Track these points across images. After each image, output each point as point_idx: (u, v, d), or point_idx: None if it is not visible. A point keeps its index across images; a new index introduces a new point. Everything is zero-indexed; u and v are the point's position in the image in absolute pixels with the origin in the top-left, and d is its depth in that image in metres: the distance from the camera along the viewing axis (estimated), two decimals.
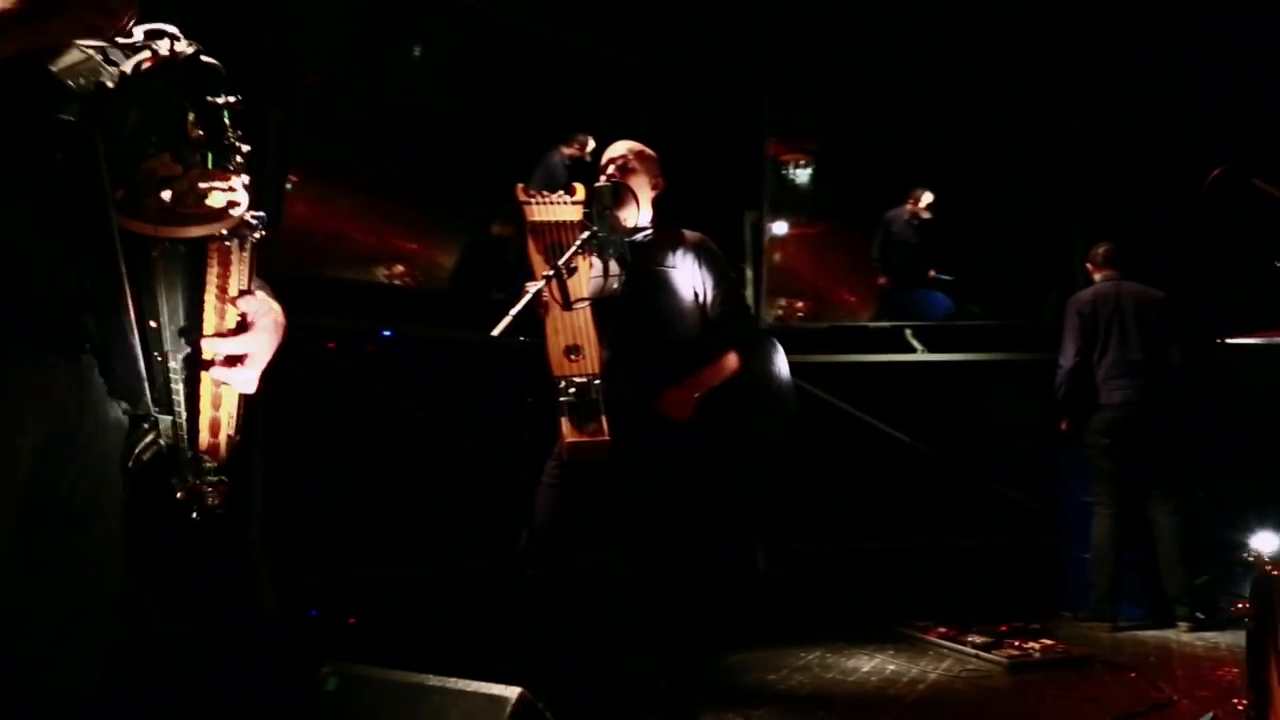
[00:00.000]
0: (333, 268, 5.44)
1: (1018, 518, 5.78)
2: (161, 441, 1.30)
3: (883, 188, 6.43)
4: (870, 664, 3.71)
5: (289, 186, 5.06)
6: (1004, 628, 3.95)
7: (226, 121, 1.27)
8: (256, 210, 1.29)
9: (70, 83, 1.14)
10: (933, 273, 6.48)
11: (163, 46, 1.22)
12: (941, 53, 5.84)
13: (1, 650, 1.27)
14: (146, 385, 1.26)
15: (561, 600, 2.67)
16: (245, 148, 1.31)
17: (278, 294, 1.45)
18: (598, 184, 2.72)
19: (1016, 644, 3.77)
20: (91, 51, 1.19)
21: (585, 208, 2.72)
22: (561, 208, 2.80)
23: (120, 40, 1.22)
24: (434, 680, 1.89)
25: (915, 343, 6.22)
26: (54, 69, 1.14)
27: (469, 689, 1.83)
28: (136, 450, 1.32)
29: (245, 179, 1.29)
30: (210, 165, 1.26)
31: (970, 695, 3.30)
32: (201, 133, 1.25)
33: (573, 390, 2.62)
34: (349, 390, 4.86)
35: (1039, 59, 5.78)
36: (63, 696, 1.33)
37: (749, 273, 6.14)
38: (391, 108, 5.36)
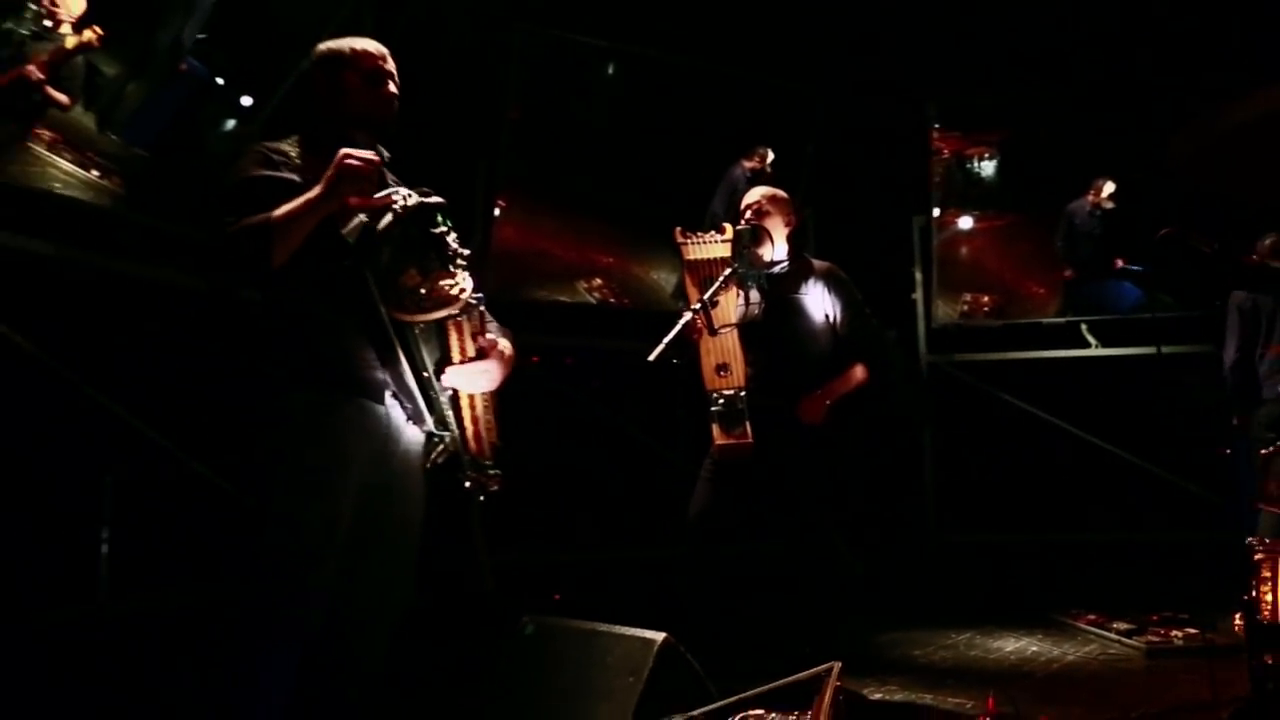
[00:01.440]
0: (539, 284, 6.24)
1: (1200, 512, 5.76)
2: (446, 449, 2.02)
3: (1066, 179, 6.49)
4: (1014, 645, 4.02)
5: (497, 213, 5.90)
6: (1154, 616, 4.12)
7: (449, 240, 1.95)
8: (476, 291, 2.03)
9: (350, 240, 1.83)
10: (1121, 263, 6.47)
11: (400, 199, 1.91)
12: (1121, 41, 5.86)
13: (343, 613, 2.00)
14: (427, 412, 1.97)
15: (716, 577, 3.22)
16: (465, 252, 2.00)
17: (501, 319, 2.21)
18: (739, 227, 3.24)
19: (1161, 631, 3.95)
20: (362, 216, 1.88)
21: (732, 246, 3.26)
22: (712, 245, 3.34)
23: (376, 196, 1.92)
24: (602, 627, 2.49)
25: (1090, 338, 6.29)
26: (342, 231, 1.83)
27: (627, 633, 2.41)
28: (431, 456, 2.07)
29: (467, 274, 1.99)
30: (442, 267, 1.95)
31: (1100, 675, 3.56)
32: (433, 249, 1.94)
33: (722, 401, 3.17)
34: (555, 399, 5.64)
35: (1217, 45, 5.71)
36: (378, 651, 2.07)
37: (918, 275, 6.42)
38: (584, 134, 6.09)
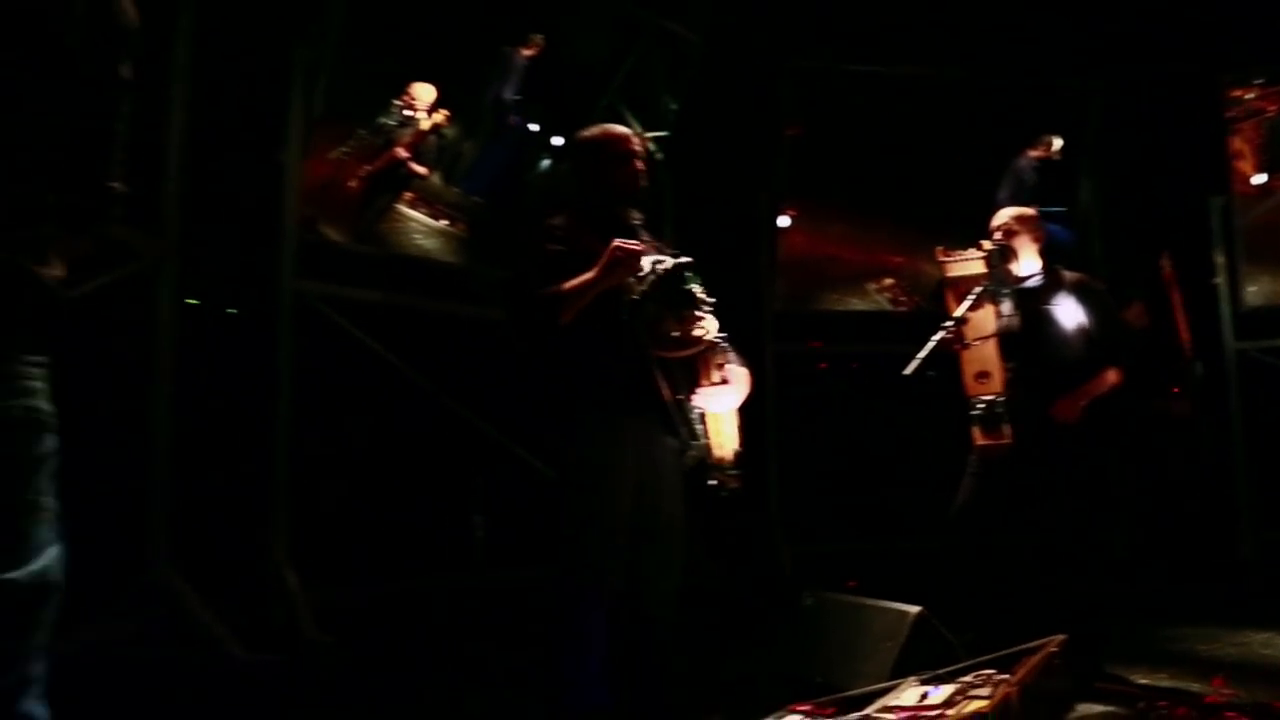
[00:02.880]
0: (830, 289, 6.69)
1: None
2: (697, 455, 2.61)
3: None
4: None
5: (787, 222, 6.43)
6: None
7: (695, 293, 2.53)
8: (720, 332, 2.61)
9: (624, 306, 2.46)
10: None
11: (657, 266, 2.51)
12: None
13: (638, 580, 2.63)
14: (680, 426, 2.56)
15: (981, 564, 3.56)
16: (711, 300, 2.56)
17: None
18: (989, 247, 3.57)
19: None
20: (633, 281, 2.49)
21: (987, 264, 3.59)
22: (971, 263, 3.69)
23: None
24: (867, 601, 2.99)
25: None
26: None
27: (886, 606, 2.89)
28: (686, 459, 2.65)
29: (712, 318, 2.55)
30: (691, 314, 2.53)
31: None
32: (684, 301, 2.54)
33: (981, 406, 3.52)
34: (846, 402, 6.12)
35: None
36: (670, 607, 2.66)
37: (1219, 259, 6.17)
38: (865, 144, 6.45)
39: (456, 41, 5.00)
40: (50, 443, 1.22)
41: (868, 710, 2.25)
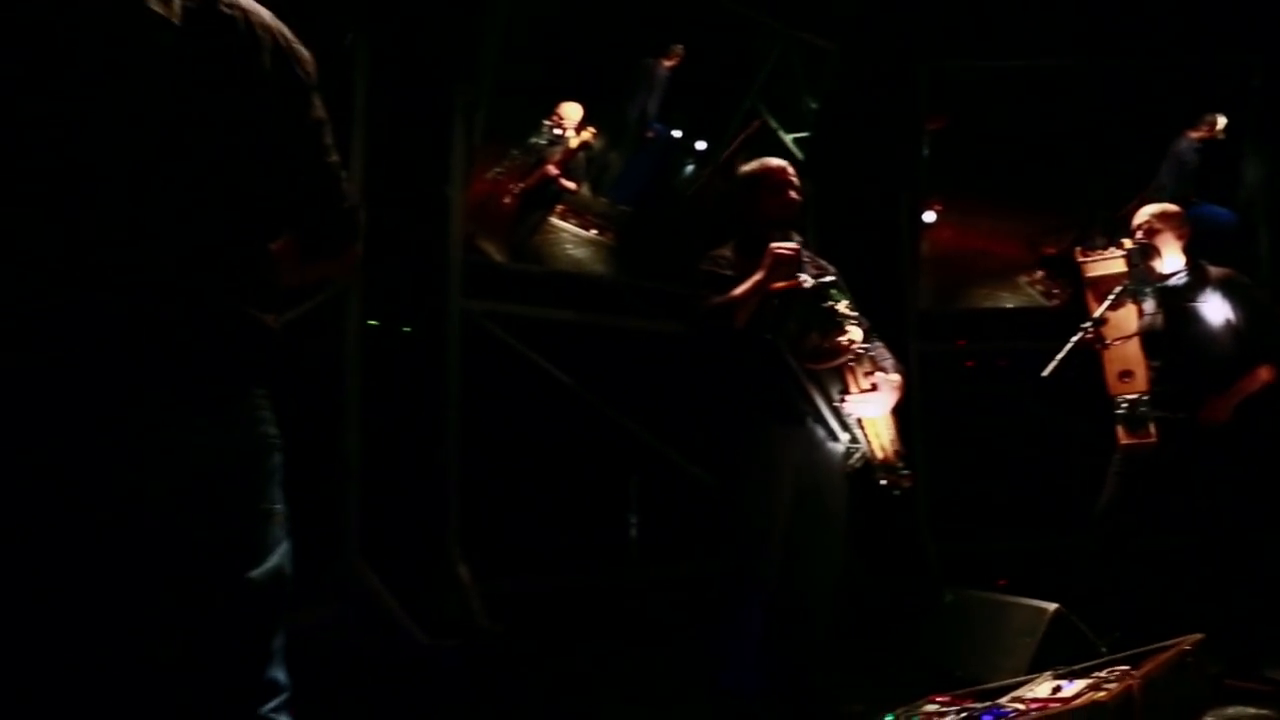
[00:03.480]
0: (979, 284, 6.62)
1: None
2: (861, 457, 2.79)
3: None
4: None
5: (932, 218, 6.40)
6: None
7: (840, 308, 2.70)
8: (866, 341, 2.77)
9: (769, 318, 2.67)
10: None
11: (806, 283, 2.70)
12: None
13: (796, 576, 2.83)
14: (840, 430, 2.75)
15: (1126, 564, 3.56)
16: (854, 314, 2.74)
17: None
18: (1130, 246, 3.57)
19: None
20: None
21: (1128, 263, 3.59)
22: (1111, 262, 3.70)
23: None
24: (1007, 598, 3.08)
25: None
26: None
27: (1025, 603, 2.98)
28: (849, 463, 2.84)
29: (857, 329, 2.72)
30: (836, 328, 2.71)
31: None
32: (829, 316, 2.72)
33: (1125, 405, 3.54)
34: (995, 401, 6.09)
35: None
36: (826, 601, 2.87)
37: None
38: (1010, 135, 6.36)
39: (599, 58, 5.28)
40: (278, 459, 1.49)
41: (1000, 700, 2.37)
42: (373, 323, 4.50)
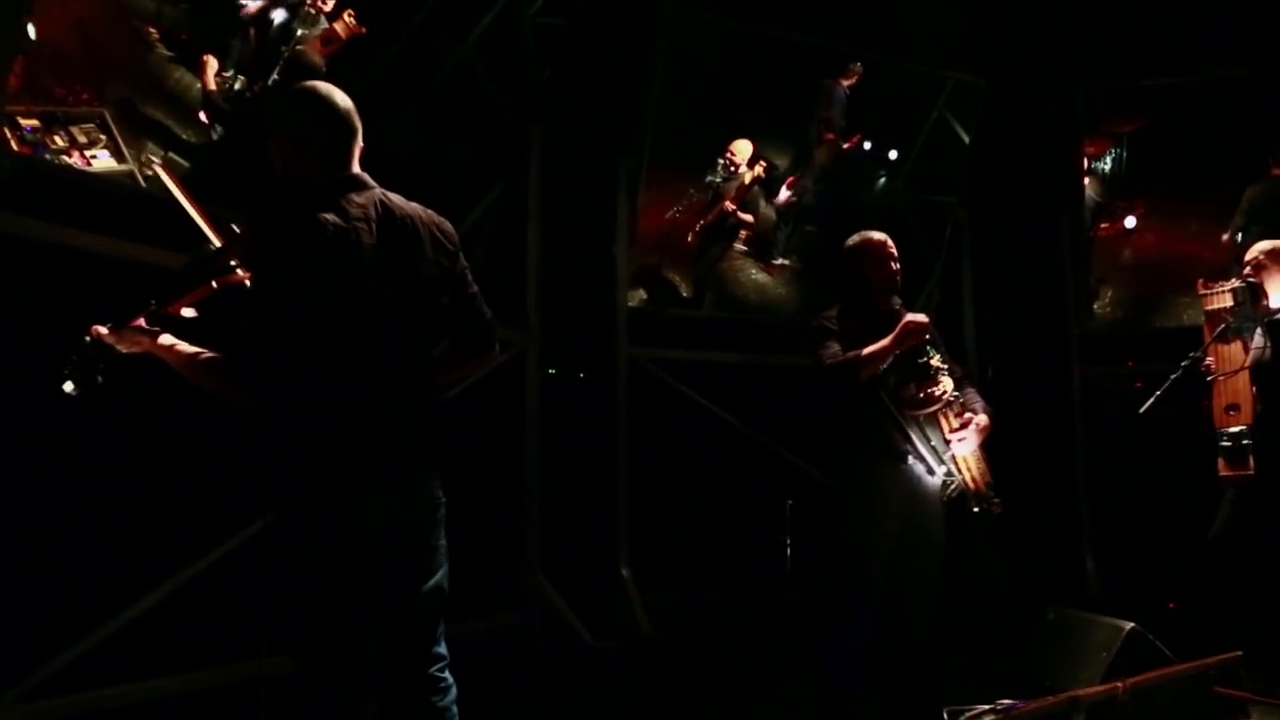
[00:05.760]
0: (1182, 293, 6.40)
1: None
2: (956, 488, 3.19)
3: None
4: None
5: (1132, 223, 6.35)
6: None
7: (932, 362, 3.11)
8: (959, 386, 3.15)
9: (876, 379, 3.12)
10: None
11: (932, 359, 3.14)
12: None
13: (898, 597, 3.25)
14: (935, 464, 3.16)
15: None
16: (945, 365, 3.14)
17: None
18: (1237, 284, 3.74)
19: None
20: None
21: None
22: (1225, 295, 3.88)
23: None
24: (1094, 615, 3.38)
25: None
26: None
27: (1105, 621, 3.28)
28: (946, 493, 3.24)
29: (948, 377, 3.12)
30: (929, 379, 3.12)
31: None
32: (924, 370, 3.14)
33: (1228, 439, 3.70)
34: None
35: None
36: (924, 619, 3.27)
37: None
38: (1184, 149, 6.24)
39: (771, 88, 5.67)
40: (443, 510, 2.21)
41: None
42: (551, 371, 5.28)
